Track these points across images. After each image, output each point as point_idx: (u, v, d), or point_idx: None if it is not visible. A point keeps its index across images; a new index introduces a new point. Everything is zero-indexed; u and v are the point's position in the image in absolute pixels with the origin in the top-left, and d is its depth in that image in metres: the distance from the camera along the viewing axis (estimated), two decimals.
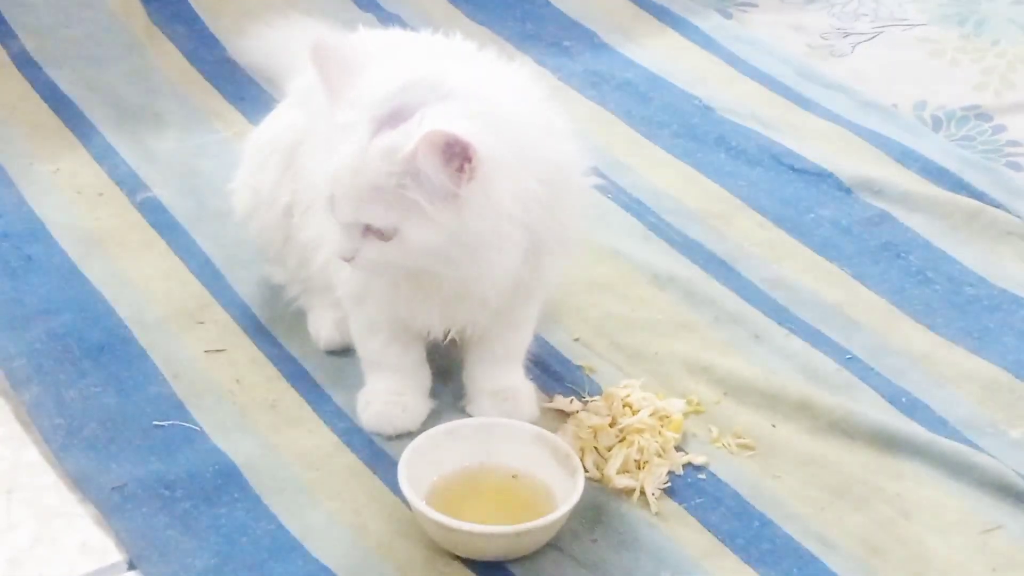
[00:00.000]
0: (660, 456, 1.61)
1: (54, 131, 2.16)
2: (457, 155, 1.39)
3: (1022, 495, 1.59)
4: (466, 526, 1.47)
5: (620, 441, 1.62)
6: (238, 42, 2.14)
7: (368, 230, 1.45)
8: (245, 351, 1.76)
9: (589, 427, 1.63)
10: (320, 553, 1.51)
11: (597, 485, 1.59)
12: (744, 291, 1.88)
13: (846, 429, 1.67)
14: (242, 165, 1.77)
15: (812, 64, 2.42)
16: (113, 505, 1.55)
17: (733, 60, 2.40)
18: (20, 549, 1.52)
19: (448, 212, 1.42)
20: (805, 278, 1.91)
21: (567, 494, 1.51)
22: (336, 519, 1.54)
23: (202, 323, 1.80)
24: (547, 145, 1.50)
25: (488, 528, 1.47)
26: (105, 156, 2.10)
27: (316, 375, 1.73)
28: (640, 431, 1.63)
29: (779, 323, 1.83)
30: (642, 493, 1.58)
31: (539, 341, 1.73)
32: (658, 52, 2.42)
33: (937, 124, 2.29)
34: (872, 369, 1.76)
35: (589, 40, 2.45)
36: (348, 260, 1.48)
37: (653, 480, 1.58)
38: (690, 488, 1.60)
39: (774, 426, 1.68)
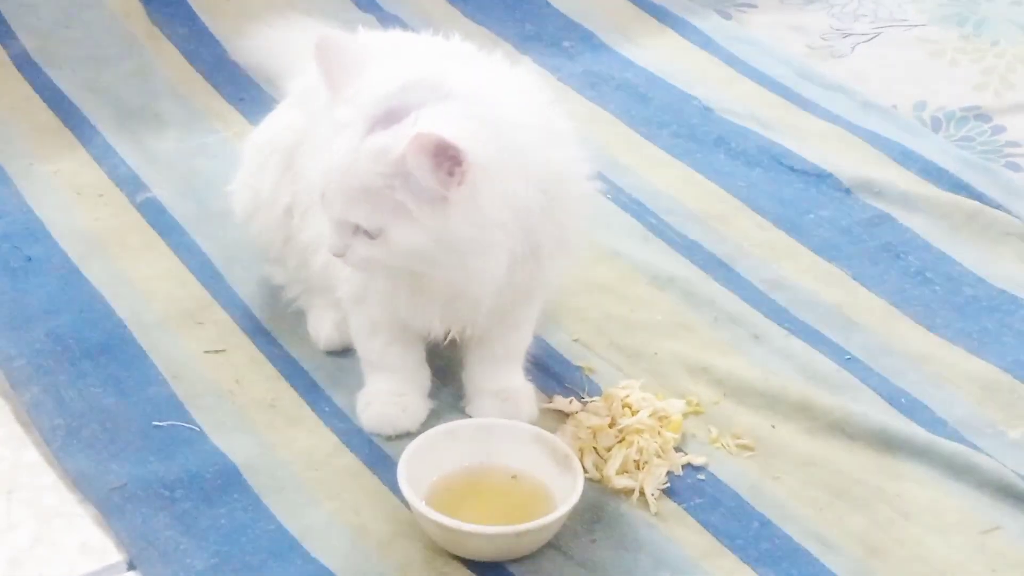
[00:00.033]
0: (659, 457, 1.61)
1: (54, 131, 2.16)
2: (447, 159, 1.39)
3: (1021, 496, 1.59)
4: (466, 526, 1.47)
5: (619, 442, 1.62)
6: (238, 42, 2.14)
7: (358, 228, 1.45)
8: (245, 351, 1.76)
9: (588, 428, 1.63)
10: (320, 553, 1.51)
11: (596, 485, 1.59)
12: (744, 292, 1.89)
13: (846, 430, 1.67)
14: (242, 166, 1.77)
15: (812, 65, 2.42)
16: (113, 505, 1.55)
17: (732, 61, 2.40)
18: (20, 549, 1.52)
19: (435, 215, 1.42)
20: (805, 279, 1.92)
21: (566, 495, 1.51)
22: (336, 519, 1.54)
23: (202, 324, 1.80)
24: (547, 150, 1.49)
25: (488, 528, 1.47)
26: (105, 156, 2.10)
27: (316, 375, 1.73)
28: (639, 432, 1.63)
29: (779, 324, 1.83)
30: (641, 494, 1.58)
31: (539, 342, 1.73)
32: (658, 53, 2.42)
33: (936, 125, 2.29)
34: (872, 370, 1.76)
35: (589, 40, 2.45)
36: (339, 256, 1.48)
37: (652, 481, 1.58)
38: (689, 489, 1.60)
39: (773, 427, 1.68)
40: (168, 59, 2.34)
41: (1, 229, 1.95)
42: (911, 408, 1.71)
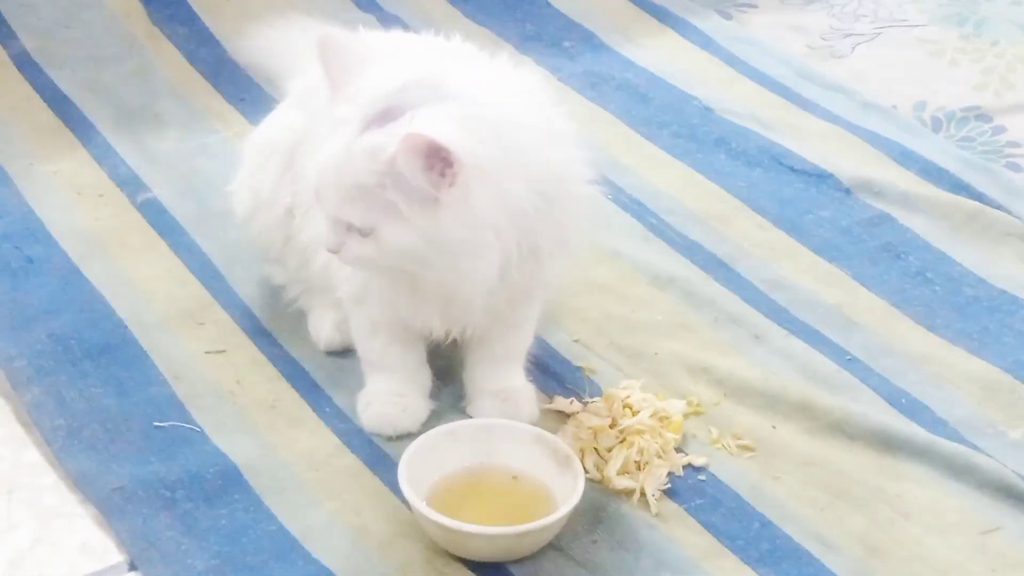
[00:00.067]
0: (660, 457, 1.61)
1: (54, 132, 2.16)
2: (439, 160, 1.39)
3: (1022, 496, 1.59)
4: (466, 527, 1.47)
5: (620, 442, 1.62)
6: (239, 41, 2.14)
7: (351, 225, 1.45)
8: (245, 352, 1.76)
9: (589, 428, 1.63)
10: (320, 554, 1.51)
11: (597, 486, 1.59)
12: (744, 292, 1.89)
13: (846, 430, 1.67)
14: (242, 166, 1.77)
15: (812, 65, 2.42)
16: (113, 506, 1.55)
17: (733, 61, 2.40)
18: (20, 550, 1.52)
19: (426, 216, 1.42)
20: (805, 279, 1.92)
21: (567, 495, 1.51)
22: (337, 520, 1.55)
23: (202, 324, 1.80)
24: (547, 152, 1.49)
25: (488, 529, 1.47)
26: (105, 157, 2.10)
27: (316, 376, 1.73)
28: (640, 432, 1.63)
29: (779, 324, 1.83)
30: (642, 494, 1.58)
31: (539, 342, 1.73)
32: (658, 53, 2.42)
33: (937, 125, 2.29)
34: (872, 370, 1.77)
35: (589, 41, 2.45)
36: (334, 252, 1.49)
37: (653, 481, 1.58)
38: (690, 489, 1.60)
39: (774, 427, 1.68)
40: (168, 59, 2.34)
41: (1, 229, 1.95)
42: (911, 408, 1.71)
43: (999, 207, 2.05)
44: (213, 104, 2.24)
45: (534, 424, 1.63)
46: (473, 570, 1.50)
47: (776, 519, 1.57)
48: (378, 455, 1.62)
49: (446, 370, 1.71)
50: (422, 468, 1.54)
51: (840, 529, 1.56)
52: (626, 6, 2.55)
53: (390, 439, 1.64)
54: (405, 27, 2.26)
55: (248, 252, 1.86)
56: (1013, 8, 2.59)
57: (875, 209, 2.05)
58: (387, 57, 1.50)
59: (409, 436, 1.61)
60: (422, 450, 1.55)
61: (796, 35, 2.52)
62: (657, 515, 1.56)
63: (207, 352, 1.76)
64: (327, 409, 1.68)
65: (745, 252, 1.96)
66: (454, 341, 1.64)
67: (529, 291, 1.58)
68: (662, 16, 2.52)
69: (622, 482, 1.59)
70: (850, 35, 2.53)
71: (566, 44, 2.43)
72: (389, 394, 1.65)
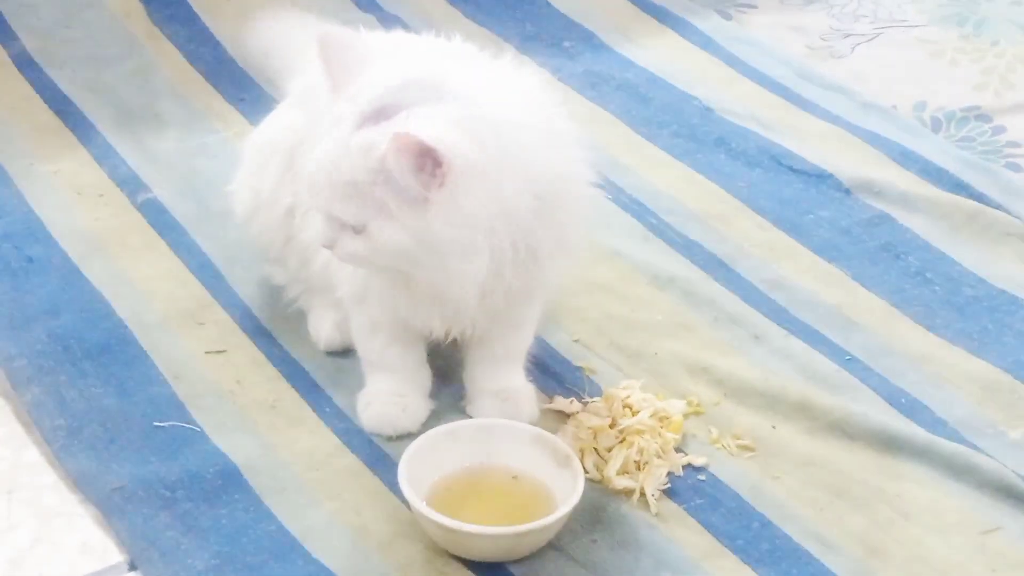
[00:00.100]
0: (660, 457, 1.61)
1: (55, 132, 2.17)
2: (430, 160, 1.39)
3: (1021, 496, 1.59)
4: (466, 527, 1.47)
5: (620, 442, 1.62)
6: (242, 34, 2.13)
7: (344, 222, 1.46)
8: (245, 352, 1.76)
9: (589, 428, 1.63)
10: (320, 554, 1.51)
11: (597, 486, 1.59)
12: (744, 292, 1.89)
13: (846, 430, 1.67)
14: (242, 166, 1.77)
15: (811, 65, 2.42)
16: (114, 505, 1.55)
17: (733, 61, 2.40)
18: (20, 549, 1.52)
19: (415, 215, 1.42)
20: (804, 279, 1.92)
21: (567, 495, 1.51)
22: (337, 520, 1.55)
23: (203, 324, 1.80)
24: (546, 154, 1.49)
25: (488, 529, 1.47)
26: (105, 157, 2.10)
27: (316, 376, 1.73)
28: (640, 432, 1.63)
29: (779, 324, 1.83)
30: (642, 494, 1.58)
31: (539, 342, 1.73)
32: (658, 53, 2.42)
33: (937, 125, 2.29)
34: (871, 370, 1.77)
35: (589, 41, 2.45)
36: (329, 248, 1.49)
37: (653, 481, 1.59)
38: (690, 489, 1.60)
39: (774, 427, 1.68)
40: (168, 59, 2.34)
41: (1, 229, 1.95)
42: (911, 408, 1.71)
43: (999, 207, 2.05)
44: (213, 104, 2.24)
45: (534, 424, 1.63)
46: (473, 570, 1.50)
47: (776, 519, 1.57)
48: (378, 455, 1.62)
49: (446, 370, 1.71)
50: (422, 468, 1.54)
51: (840, 529, 1.56)
52: (626, 6, 2.55)
53: (390, 439, 1.64)
54: (405, 27, 2.26)
55: (248, 252, 1.86)
56: (1013, 8, 2.59)
57: (875, 209, 2.05)
58: (388, 56, 1.50)
59: (409, 436, 1.61)
60: (422, 450, 1.55)
61: (796, 35, 2.52)
62: (657, 515, 1.56)
63: (207, 352, 1.76)
64: (327, 409, 1.69)
65: (745, 252, 1.96)
66: (454, 341, 1.64)
67: (529, 291, 1.58)
68: (662, 16, 2.52)
69: (622, 482, 1.59)
70: (850, 35, 2.53)
71: (566, 44, 2.43)
72: (389, 394, 1.65)
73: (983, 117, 2.30)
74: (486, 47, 1.60)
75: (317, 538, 1.52)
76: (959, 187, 2.09)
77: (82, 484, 1.59)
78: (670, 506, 1.58)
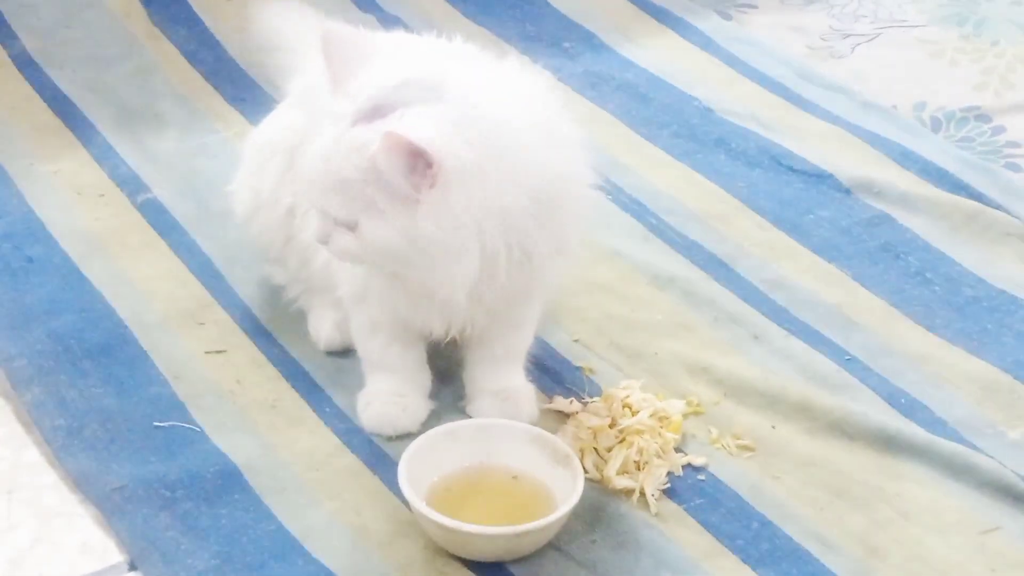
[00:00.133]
0: (660, 457, 1.61)
1: (55, 132, 2.17)
2: (421, 160, 1.39)
3: (1021, 496, 1.60)
4: (466, 527, 1.47)
5: (620, 442, 1.62)
6: (244, 30, 2.12)
7: (337, 218, 1.46)
8: (245, 352, 1.76)
9: (589, 428, 1.63)
10: (320, 554, 1.51)
11: (597, 486, 1.59)
12: (744, 292, 1.89)
13: (846, 430, 1.67)
14: (242, 166, 1.77)
15: (812, 65, 2.43)
16: (114, 506, 1.55)
17: (733, 61, 2.40)
18: (20, 549, 1.52)
19: (404, 214, 1.42)
20: (804, 279, 1.92)
21: (567, 495, 1.51)
22: (337, 519, 1.55)
23: (203, 324, 1.80)
24: (543, 156, 1.48)
25: (488, 529, 1.47)
26: (106, 157, 2.10)
27: (316, 376, 1.73)
28: (640, 432, 1.63)
29: (779, 324, 1.83)
30: (642, 494, 1.58)
31: (539, 342, 1.73)
32: (658, 53, 2.42)
33: (936, 125, 2.29)
34: (871, 370, 1.77)
35: (589, 41, 2.45)
36: (323, 244, 1.49)
37: (653, 481, 1.59)
38: (690, 489, 1.60)
39: (774, 427, 1.68)
40: (168, 59, 2.34)
41: (1, 229, 1.95)
42: (911, 408, 1.71)
43: (998, 207, 2.05)
44: (213, 104, 2.24)
45: (534, 424, 1.63)
46: (473, 570, 1.50)
47: (776, 519, 1.57)
48: (378, 455, 1.62)
49: (446, 370, 1.71)
50: (422, 468, 1.54)
51: (840, 529, 1.56)
52: (626, 6, 2.55)
53: (390, 439, 1.64)
54: (405, 27, 2.26)
55: (248, 252, 1.86)
56: (1013, 8, 2.59)
57: (875, 209, 2.05)
58: (390, 55, 1.50)
59: (409, 436, 1.61)
60: (422, 450, 1.55)
61: (796, 35, 2.52)
62: (657, 515, 1.56)
63: (207, 352, 1.76)
64: (327, 409, 1.69)
65: (745, 252, 1.96)
66: (454, 341, 1.64)
67: (527, 292, 1.58)
68: (662, 16, 2.52)
69: (622, 482, 1.59)
70: (850, 35, 2.53)
71: (566, 44, 2.44)
72: (389, 394, 1.65)
73: (983, 117, 2.30)
74: (486, 47, 1.60)
75: (317, 538, 1.52)
76: (959, 187, 2.09)
77: (82, 484, 1.59)
78: (670, 506, 1.58)
